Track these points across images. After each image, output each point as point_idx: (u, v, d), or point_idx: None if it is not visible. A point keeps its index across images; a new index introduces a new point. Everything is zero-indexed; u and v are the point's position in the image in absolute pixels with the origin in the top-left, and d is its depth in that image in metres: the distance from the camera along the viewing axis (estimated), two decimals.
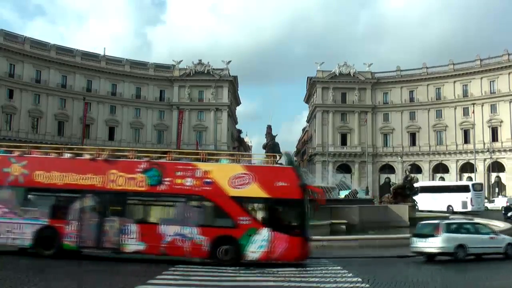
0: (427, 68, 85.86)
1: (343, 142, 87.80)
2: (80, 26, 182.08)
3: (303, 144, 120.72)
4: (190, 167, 17.09)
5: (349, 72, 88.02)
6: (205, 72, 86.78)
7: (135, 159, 18.02)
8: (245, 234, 16.12)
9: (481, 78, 78.78)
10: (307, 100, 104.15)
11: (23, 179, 17.43)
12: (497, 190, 75.81)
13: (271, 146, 30.29)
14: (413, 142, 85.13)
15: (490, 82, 78.07)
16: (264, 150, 30.64)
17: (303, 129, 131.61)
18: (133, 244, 16.49)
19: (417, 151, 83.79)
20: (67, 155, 18.63)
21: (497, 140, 76.16)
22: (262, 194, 16.52)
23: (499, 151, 75.29)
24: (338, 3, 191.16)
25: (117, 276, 14.18)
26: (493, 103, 77.24)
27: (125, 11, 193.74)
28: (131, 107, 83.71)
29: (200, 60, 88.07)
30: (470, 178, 77.18)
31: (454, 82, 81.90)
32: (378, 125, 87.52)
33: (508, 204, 48.84)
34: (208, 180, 16.72)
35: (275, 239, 16.09)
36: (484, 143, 76.19)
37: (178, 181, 16.80)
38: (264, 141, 32.27)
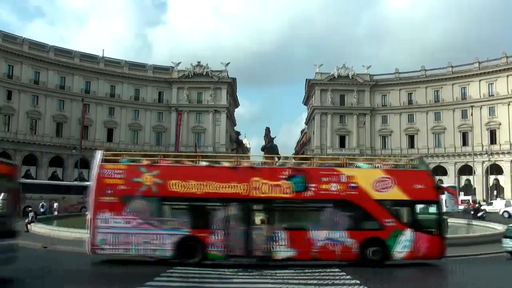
0: (425, 70, 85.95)
1: (342, 144, 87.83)
2: (80, 27, 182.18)
3: (302, 146, 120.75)
4: (335, 173, 17.52)
5: (348, 74, 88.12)
6: (204, 74, 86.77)
7: (278, 166, 18.49)
8: (391, 235, 16.84)
9: (480, 81, 78.92)
10: (306, 102, 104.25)
11: (157, 189, 16.84)
12: (495, 192, 75.89)
13: (270, 148, 30.34)
14: (411, 145, 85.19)
15: (489, 84, 78.21)
16: (263, 152, 30.69)
17: (302, 131, 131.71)
18: (283, 251, 16.61)
19: (416, 153, 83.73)
20: (202, 163, 18.40)
21: (495, 143, 76.22)
22: (403, 196, 17.25)
23: (497, 153, 75.35)
24: (339, 6, 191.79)
25: (115, 278, 14.17)
26: (491, 106, 77.37)
27: (126, 12, 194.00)
28: (129, 109, 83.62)
29: (198, 62, 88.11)
30: (468, 181, 77.40)
31: (453, 84, 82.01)
32: (376, 127, 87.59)
33: (478, 205, 50.29)
34: (353, 184, 17.24)
35: (418, 239, 16.90)
36: (482, 146, 76.21)
37: (324, 186, 17.15)
38: (263, 143, 32.32)
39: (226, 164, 18.31)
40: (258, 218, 17.27)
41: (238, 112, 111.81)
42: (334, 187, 17.09)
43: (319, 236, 16.66)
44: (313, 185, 17.07)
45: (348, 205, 17.10)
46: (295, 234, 16.80)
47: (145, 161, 18.01)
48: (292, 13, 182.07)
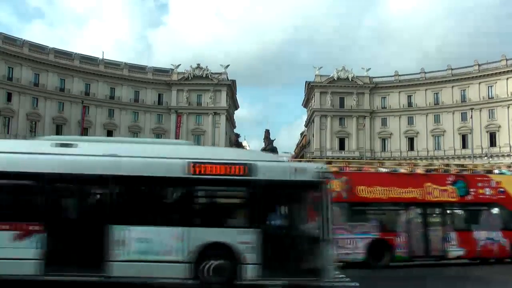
0: (425, 73, 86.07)
1: (341, 146, 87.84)
2: (80, 29, 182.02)
3: (301, 149, 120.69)
4: (486, 179, 19.57)
5: (347, 76, 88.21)
6: (204, 76, 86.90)
7: (444, 173, 20.67)
8: None
9: (479, 83, 79.06)
10: (306, 104, 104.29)
11: (346, 194, 17.73)
12: None
13: (269, 150, 30.43)
14: (411, 147, 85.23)
15: (488, 87, 78.37)
16: None
17: (301, 134, 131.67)
18: (455, 250, 18.21)
19: (415, 155, 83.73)
20: (382, 170, 19.95)
21: (495, 145, 76.39)
22: None
23: (497, 156, 75.38)
24: (341, 9, 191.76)
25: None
26: (491, 108, 77.50)
27: (126, 14, 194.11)
28: (129, 111, 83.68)
29: (198, 64, 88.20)
30: None
31: (452, 87, 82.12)
32: (376, 129, 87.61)
33: None
34: (501, 189, 19.24)
35: None
36: (482, 148, 76.39)
37: (480, 191, 19.03)
38: (263, 145, 32.40)
39: (402, 171, 20.05)
40: (431, 220, 18.74)
41: (237, 114, 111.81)
42: (487, 191, 18.99)
43: (481, 236, 18.43)
44: (472, 189, 18.93)
45: (499, 208, 19.10)
46: (463, 234, 18.41)
47: (332, 168, 18.83)
48: (294, 17, 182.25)
